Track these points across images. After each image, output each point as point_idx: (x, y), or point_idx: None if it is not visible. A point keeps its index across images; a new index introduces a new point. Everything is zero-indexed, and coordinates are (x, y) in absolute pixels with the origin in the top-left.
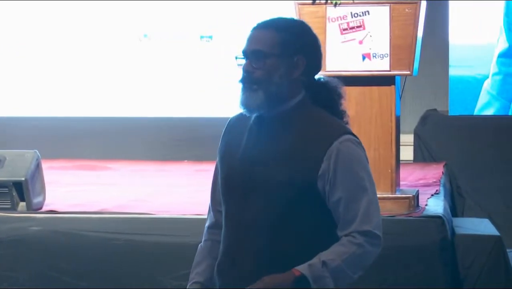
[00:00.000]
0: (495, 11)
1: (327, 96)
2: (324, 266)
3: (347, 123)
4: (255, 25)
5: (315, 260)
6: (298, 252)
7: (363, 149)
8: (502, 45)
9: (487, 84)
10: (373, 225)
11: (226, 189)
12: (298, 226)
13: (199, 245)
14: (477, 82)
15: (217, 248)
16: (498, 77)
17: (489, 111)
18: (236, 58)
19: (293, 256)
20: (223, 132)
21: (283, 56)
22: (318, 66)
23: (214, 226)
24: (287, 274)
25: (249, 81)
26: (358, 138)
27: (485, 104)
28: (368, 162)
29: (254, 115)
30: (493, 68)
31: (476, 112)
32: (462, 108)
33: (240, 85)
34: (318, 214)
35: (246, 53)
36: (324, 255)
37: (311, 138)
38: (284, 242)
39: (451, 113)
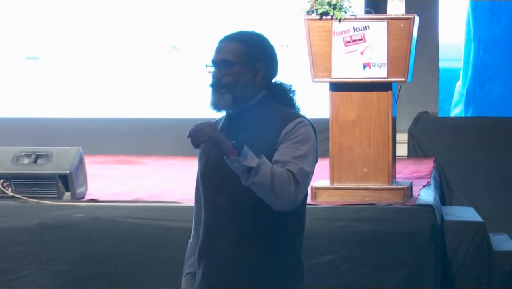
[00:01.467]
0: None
1: (283, 94)
2: (260, 156)
3: (304, 115)
4: (222, 38)
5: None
6: (269, 227)
7: (313, 129)
8: (463, 53)
9: (458, 86)
10: (297, 174)
11: (203, 182)
12: (267, 205)
13: (189, 240)
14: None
15: None
16: (462, 79)
17: (459, 107)
18: (206, 66)
19: (266, 231)
20: None
21: (247, 64)
22: (275, 71)
23: (199, 222)
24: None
25: (219, 85)
26: (311, 123)
27: (456, 102)
28: (315, 141)
29: (224, 117)
30: (461, 72)
31: (451, 107)
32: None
33: (210, 89)
34: None
35: (216, 62)
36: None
37: (271, 125)
38: (257, 220)
39: (440, 115)
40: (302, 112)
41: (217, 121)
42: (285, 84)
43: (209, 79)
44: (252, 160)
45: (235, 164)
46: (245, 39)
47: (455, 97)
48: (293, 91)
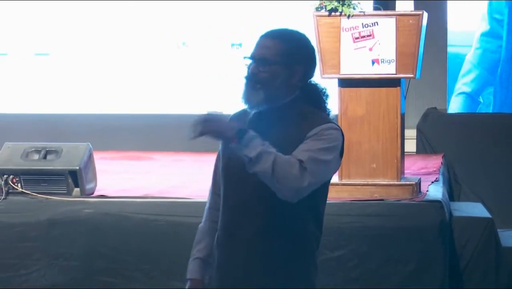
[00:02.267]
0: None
1: (317, 96)
2: (265, 145)
3: (333, 119)
4: (264, 33)
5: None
6: (287, 224)
7: (341, 135)
8: (484, 27)
9: (469, 56)
10: (310, 173)
11: (226, 175)
12: (287, 202)
13: (200, 225)
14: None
15: (215, 228)
16: (479, 51)
17: (470, 77)
18: (244, 58)
19: (284, 229)
20: None
21: (285, 65)
22: (312, 74)
23: (213, 208)
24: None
25: (254, 80)
26: (341, 130)
27: (467, 71)
28: (342, 148)
29: (253, 112)
30: (475, 43)
31: (459, 77)
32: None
33: (244, 81)
34: None
35: (254, 57)
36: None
37: (299, 126)
38: (276, 216)
39: (449, 111)
40: (331, 115)
41: (242, 112)
42: (319, 85)
43: (245, 71)
44: (253, 149)
45: (237, 151)
46: (287, 39)
47: (465, 66)
48: (327, 94)
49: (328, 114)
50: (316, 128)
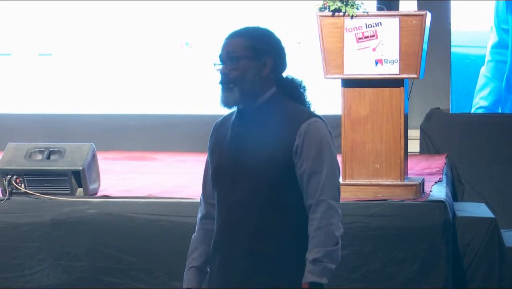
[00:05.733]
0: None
1: (294, 90)
2: (317, 262)
3: (314, 111)
4: (227, 35)
5: (308, 264)
6: (282, 223)
7: (328, 129)
8: (494, 39)
9: (483, 69)
10: (329, 196)
11: (216, 178)
12: (281, 200)
13: (193, 235)
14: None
15: (209, 236)
16: (492, 64)
17: (486, 90)
18: (214, 64)
19: (278, 227)
20: (210, 135)
21: (254, 58)
22: (284, 65)
23: (206, 217)
24: None
25: (226, 81)
26: (324, 120)
27: (483, 86)
28: (332, 140)
29: (235, 114)
30: (487, 56)
31: (475, 92)
32: (464, 82)
33: (220, 87)
34: (297, 188)
35: (222, 59)
36: (309, 255)
37: (285, 123)
38: (270, 216)
39: (452, 111)
40: (312, 108)
41: (225, 117)
42: (296, 79)
43: (218, 77)
44: (328, 271)
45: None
46: (250, 34)
47: (481, 81)
48: (304, 87)
49: (309, 107)
50: (303, 127)
